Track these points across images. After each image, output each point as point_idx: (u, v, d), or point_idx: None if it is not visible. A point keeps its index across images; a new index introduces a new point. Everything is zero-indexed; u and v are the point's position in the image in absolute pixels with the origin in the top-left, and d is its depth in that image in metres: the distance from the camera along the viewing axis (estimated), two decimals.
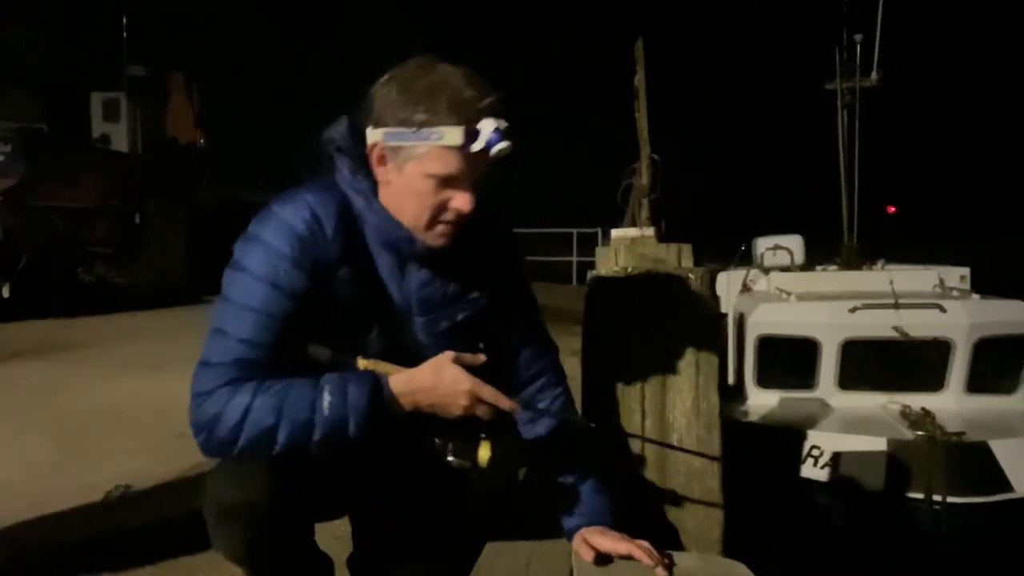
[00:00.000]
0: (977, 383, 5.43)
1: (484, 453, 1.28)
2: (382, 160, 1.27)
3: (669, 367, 2.02)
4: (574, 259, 17.47)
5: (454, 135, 1.19)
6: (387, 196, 1.29)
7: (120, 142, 16.48)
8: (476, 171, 1.25)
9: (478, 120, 1.20)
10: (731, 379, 5.96)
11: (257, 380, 1.20)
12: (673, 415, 2.03)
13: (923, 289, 6.22)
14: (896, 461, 4.62)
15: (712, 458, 2.01)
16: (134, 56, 17.48)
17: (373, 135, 1.25)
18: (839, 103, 8.43)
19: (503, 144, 1.20)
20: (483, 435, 1.30)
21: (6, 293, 11.07)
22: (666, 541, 1.44)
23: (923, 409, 5.02)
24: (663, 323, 2.02)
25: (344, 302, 1.29)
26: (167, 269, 15.28)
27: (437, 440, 1.30)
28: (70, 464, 3.58)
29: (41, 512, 2.90)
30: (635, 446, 2.02)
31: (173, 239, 15.83)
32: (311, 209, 1.26)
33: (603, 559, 1.40)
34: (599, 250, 2.75)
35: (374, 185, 1.30)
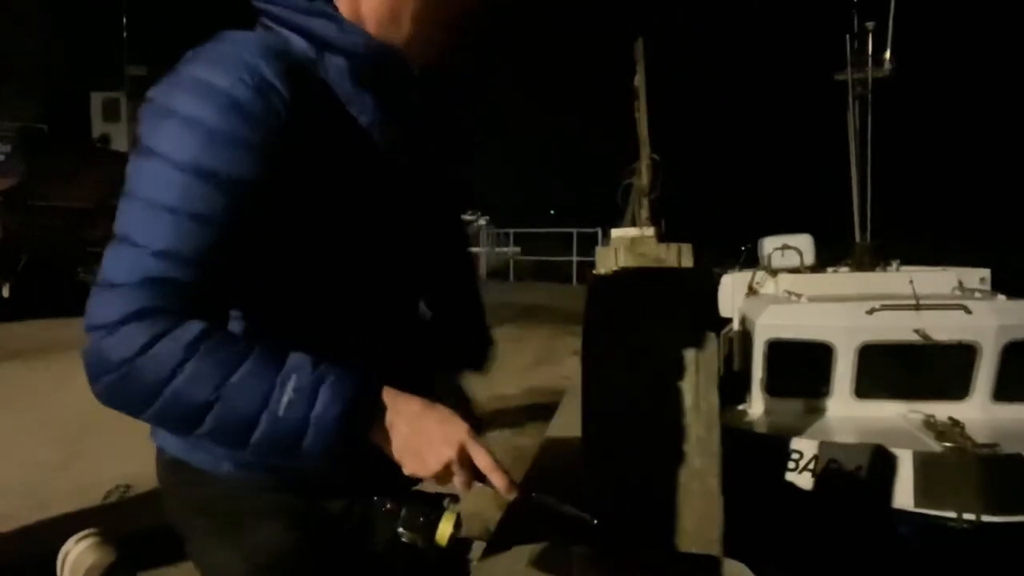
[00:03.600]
0: (1004, 390, 5.04)
1: (446, 528, 0.95)
2: None
3: (669, 367, 2.02)
4: (574, 259, 17.45)
5: None
6: (369, 10, 1.01)
7: (120, 142, 16.48)
8: None
9: None
10: (737, 386, 5.62)
11: (187, 316, 0.86)
12: (673, 415, 2.03)
13: (943, 291, 5.89)
14: (923, 476, 4.29)
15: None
16: (134, 56, 17.50)
17: None
18: (850, 95, 8.02)
19: None
20: (447, 501, 0.98)
21: (6, 293, 11.09)
22: (666, 541, 1.44)
23: (950, 419, 4.68)
24: (663, 322, 2.02)
25: (313, 179, 0.95)
26: None
27: (387, 502, 0.99)
28: (70, 464, 3.57)
29: (41, 512, 2.89)
30: (635, 446, 2.03)
31: None
32: (246, 62, 0.90)
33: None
34: (599, 250, 2.74)
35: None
